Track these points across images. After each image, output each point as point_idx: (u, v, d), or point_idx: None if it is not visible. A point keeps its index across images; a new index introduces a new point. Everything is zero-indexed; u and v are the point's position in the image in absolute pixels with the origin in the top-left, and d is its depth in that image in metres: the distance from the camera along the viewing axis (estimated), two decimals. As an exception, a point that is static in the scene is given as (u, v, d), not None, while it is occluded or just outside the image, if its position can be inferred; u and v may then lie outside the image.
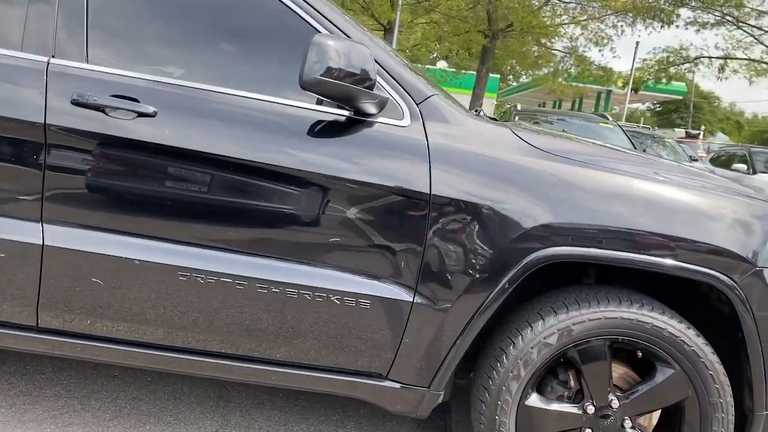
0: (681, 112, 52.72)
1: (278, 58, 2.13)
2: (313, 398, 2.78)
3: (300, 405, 2.73)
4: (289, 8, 2.02)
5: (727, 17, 18.95)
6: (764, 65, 21.27)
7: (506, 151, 2.00)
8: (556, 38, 19.71)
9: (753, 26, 19.27)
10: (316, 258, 1.97)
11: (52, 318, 2.03)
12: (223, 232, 1.97)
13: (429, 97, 2.03)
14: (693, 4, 18.50)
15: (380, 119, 1.98)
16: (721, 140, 40.58)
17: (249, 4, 2.11)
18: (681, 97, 40.52)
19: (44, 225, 1.95)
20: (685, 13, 19.29)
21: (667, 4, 18.11)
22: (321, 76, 1.79)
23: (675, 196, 2.02)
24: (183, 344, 2.05)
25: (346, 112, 1.99)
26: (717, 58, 21.29)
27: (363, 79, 1.85)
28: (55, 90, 1.92)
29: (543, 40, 19.85)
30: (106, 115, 1.91)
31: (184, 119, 1.94)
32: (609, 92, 31.30)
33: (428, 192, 1.91)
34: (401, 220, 1.94)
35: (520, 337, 1.99)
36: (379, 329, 1.99)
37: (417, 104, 2.01)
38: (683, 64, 21.64)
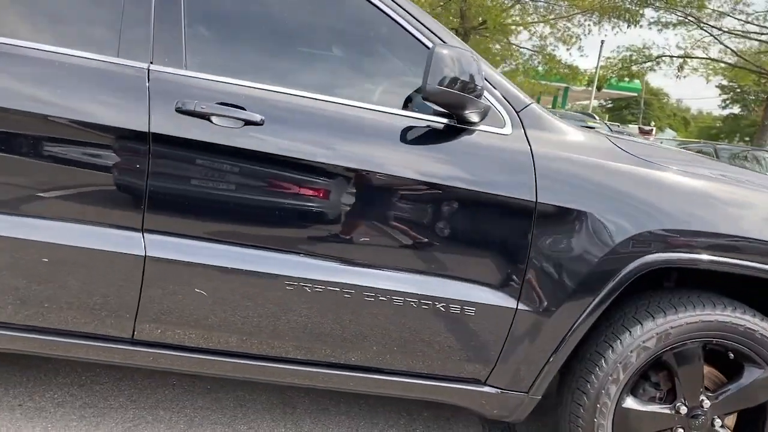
0: (632, 108, 53.97)
1: (380, 68, 2.12)
2: (375, 402, 2.79)
3: (364, 409, 2.73)
4: (393, 20, 2.01)
5: (689, 17, 19.51)
6: (721, 64, 22.00)
7: (606, 158, 2.04)
8: (522, 35, 20.04)
9: (713, 26, 19.89)
10: (422, 266, 1.98)
11: (150, 330, 1.99)
12: (329, 241, 1.95)
13: (528, 105, 2.06)
14: (657, 4, 18.97)
15: (481, 127, 2.00)
16: (669, 136, 41.73)
17: (354, 15, 2.09)
18: (635, 95, 41.52)
19: (145, 235, 1.90)
20: (649, 12, 19.82)
21: (633, 4, 18.55)
22: (441, 85, 1.79)
23: None
24: (285, 354, 2.04)
25: (445, 120, 2.00)
26: (677, 57, 21.91)
27: (473, 88, 1.86)
28: (157, 97, 1.87)
29: (505, 38, 20.17)
30: (212, 123, 1.87)
31: (292, 128, 1.92)
32: (566, 89, 31.86)
33: (534, 200, 1.94)
34: (506, 227, 1.96)
35: (618, 342, 2.03)
36: (482, 336, 2.02)
37: (517, 112, 2.03)
38: (645, 62, 22.19)
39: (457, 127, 1.99)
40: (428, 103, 1.87)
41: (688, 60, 22.04)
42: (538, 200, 1.94)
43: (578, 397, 2.08)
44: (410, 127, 1.98)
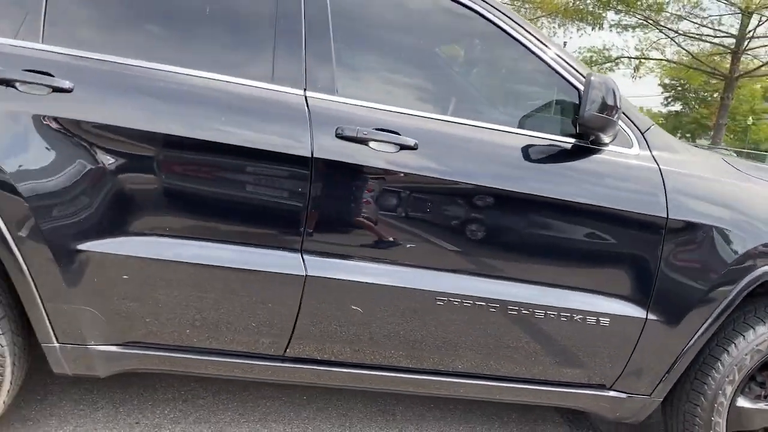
0: (577, 106, 55.09)
1: (514, 93, 2.23)
2: (466, 407, 2.90)
3: (457, 414, 2.84)
4: (529, 49, 2.13)
5: (649, 20, 20.21)
6: (673, 64, 22.83)
7: (726, 176, 2.20)
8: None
9: (670, 29, 20.65)
10: (561, 281, 2.10)
11: (302, 346, 2.05)
12: (475, 258, 2.05)
13: (651, 126, 2.20)
14: (619, 7, 19.59)
15: (610, 147, 2.13)
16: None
17: (494, 47, 2.20)
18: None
19: (304, 255, 1.97)
20: (611, 15, 20.48)
21: (596, 8, 19.09)
22: (595, 112, 1.92)
23: None
24: (430, 366, 2.13)
25: (572, 140, 2.12)
26: (635, 58, 22.65)
27: (616, 112, 1.99)
28: (318, 123, 1.94)
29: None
30: (369, 147, 1.95)
31: (443, 151, 2.01)
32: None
33: (665, 216, 2.08)
34: (638, 242, 2.10)
35: (733, 345, 2.20)
36: (613, 345, 2.15)
37: (642, 133, 2.17)
38: (605, 63, 22.85)
39: (587, 147, 2.12)
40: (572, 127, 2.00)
41: (644, 61, 22.82)
42: (669, 216, 2.08)
43: (694, 398, 2.24)
44: (542, 147, 2.09)
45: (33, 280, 1.86)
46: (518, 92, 2.29)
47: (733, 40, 20.37)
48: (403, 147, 1.97)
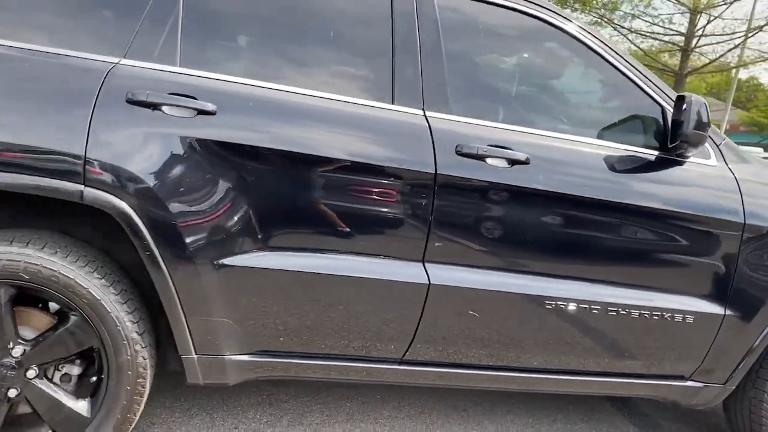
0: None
1: (610, 111, 2.40)
2: (529, 400, 3.08)
3: (522, 408, 3.01)
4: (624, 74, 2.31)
5: (603, 18, 20.84)
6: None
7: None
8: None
9: (623, 27, 21.35)
10: (654, 283, 2.29)
11: (419, 350, 2.18)
12: (579, 264, 2.22)
13: (725, 139, 2.41)
14: (576, 5, 20.14)
15: (692, 159, 2.33)
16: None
17: (595, 72, 2.36)
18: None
19: (426, 265, 2.10)
20: (567, 13, 20.95)
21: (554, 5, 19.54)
22: (694, 129, 2.11)
23: None
24: (535, 365, 2.29)
25: (656, 152, 2.31)
26: (589, 54, 23.25)
27: (708, 127, 2.19)
28: (440, 142, 2.07)
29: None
30: (486, 163, 2.09)
31: (553, 166, 2.17)
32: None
33: (742, 221, 2.29)
34: (718, 245, 2.31)
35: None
36: (695, 339, 2.36)
37: (717, 146, 2.38)
38: (561, 60, 23.39)
39: (671, 159, 2.31)
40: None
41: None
42: (746, 222, 2.29)
43: (761, 385, 2.47)
44: (632, 159, 2.27)
45: (178, 295, 1.93)
46: (608, 109, 2.46)
47: (683, 38, 21.23)
48: (515, 162, 2.11)
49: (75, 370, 2.00)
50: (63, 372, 1.99)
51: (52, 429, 1.96)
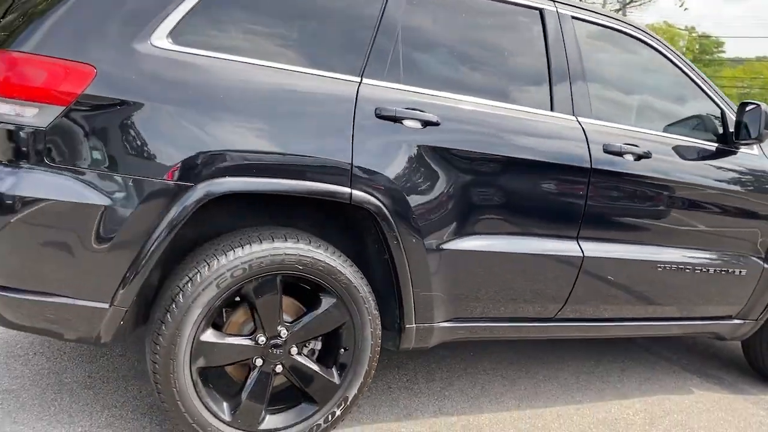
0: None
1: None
2: (572, 345, 3.73)
3: (567, 354, 3.66)
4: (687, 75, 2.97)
5: None
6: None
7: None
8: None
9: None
10: (721, 246, 2.99)
11: (569, 310, 2.73)
12: (678, 236, 2.86)
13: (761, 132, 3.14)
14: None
15: (742, 150, 3.04)
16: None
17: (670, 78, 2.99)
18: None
19: (580, 242, 2.64)
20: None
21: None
22: (764, 128, 2.80)
23: None
24: (642, 314, 2.93)
25: (716, 144, 3.00)
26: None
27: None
28: (592, 141, 2.60)
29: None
30: (624, 158, 2.66)
31: (664, 158, 2.78)
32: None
33: (777, 196, 3.05)
34: (757, 218, 3.05)
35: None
36: (743, 288, 3.10)
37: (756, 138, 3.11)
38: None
39: (726, 150, 3.00)
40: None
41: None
42: (779, 195, 3.06)
43: (778, 320, 3.28)
44: (696, 149, 2.94)
45: (411, 275, 2.32)
46: (685, 112, 3.13)
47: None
48: (642, 156, 2.70)
49: (318, 345, 2.33)
50: (309, 347, 2.32)
51: (308, 396, 2.28)
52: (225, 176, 1.99)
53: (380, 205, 2.19)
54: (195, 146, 1.97)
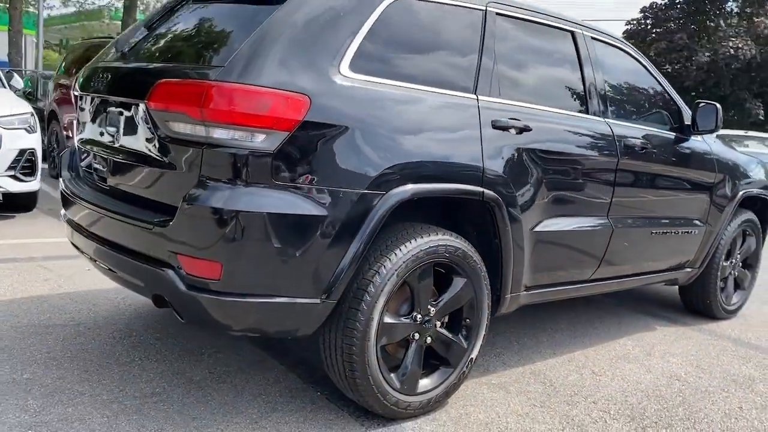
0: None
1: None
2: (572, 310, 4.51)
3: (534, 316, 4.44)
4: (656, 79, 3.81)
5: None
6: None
7: (722, 148, 4.22)
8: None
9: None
10: (683, 214, 3.89)
11: (602, 272, 3.46)
12: (656, 208, 3.71)
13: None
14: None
15: (690, 137, 3.96)
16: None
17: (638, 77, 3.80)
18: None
19: (609, 218, 3.37)
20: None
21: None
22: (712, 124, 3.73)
23: None
24: (633, 271, 3.75)
25: (674, 134, 3.89)
26: None
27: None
28: (618, 140, 3.33)
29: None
30: (636, 152, 3.43)
31: (658, 149, 3.58)
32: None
33: (715, 171, 4.02)
34: (702, 188, 4.00)
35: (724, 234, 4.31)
36: (694, 244, 4.05)
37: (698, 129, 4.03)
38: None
39: (682, 137, 3.90)
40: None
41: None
42: (717, 172, 4.03)
43: (716, 267, 4.30)
44: (662, 137, 3.81)
45: (513, 254, 2.87)
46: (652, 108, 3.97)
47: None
48: (645, 149, 3.48)
49: (446, 318, 2.81)
50: (445, 321, 2.78)
51: (446, 361, 2.75)
52: (407, 184, 2.39)
53: (499, 199, 2.71)
54: (386, 160, 2.34)
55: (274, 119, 2.14)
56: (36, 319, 3.41)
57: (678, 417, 2.88)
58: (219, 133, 2.12)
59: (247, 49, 2.20)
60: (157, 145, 2.32)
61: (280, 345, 3.27)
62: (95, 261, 2.76)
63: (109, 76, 2.64)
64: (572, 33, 3.30)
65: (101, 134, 2.70)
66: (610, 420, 2.80)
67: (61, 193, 3.04)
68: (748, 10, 25.23)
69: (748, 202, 4.47)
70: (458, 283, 2.71)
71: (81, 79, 2.95)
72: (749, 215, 4.49)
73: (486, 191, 2.65)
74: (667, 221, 3.79)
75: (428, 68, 2.68)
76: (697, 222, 4.03)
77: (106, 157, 2.70)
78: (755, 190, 4.41)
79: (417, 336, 2.60)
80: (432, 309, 2.63)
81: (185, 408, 2.55)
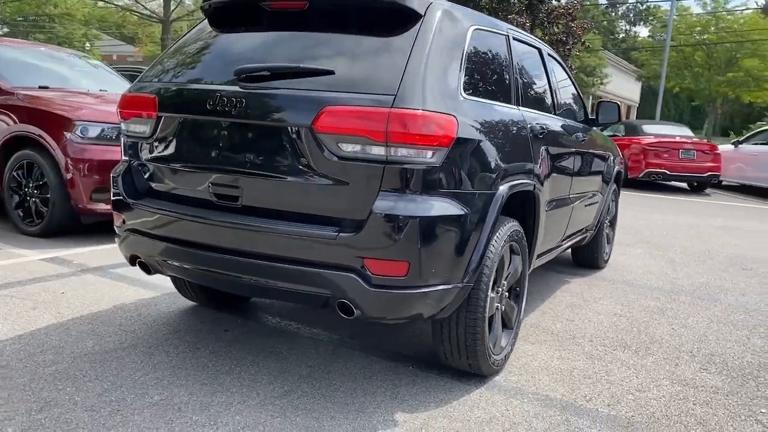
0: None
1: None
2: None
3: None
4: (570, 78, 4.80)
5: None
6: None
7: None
8: None
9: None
10: (589, 188, 4.98)
11: (567, 237, 4.37)
12: (581, 183, 4.72)
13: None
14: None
15: (593, 128, 5.06)
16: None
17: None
18: None
19: (570, 196, 4.28)
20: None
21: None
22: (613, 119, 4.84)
23: None
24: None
25: (582, 125, 4.96)
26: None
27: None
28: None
29: None
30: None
31: (592, 137, 4.58)
32: None
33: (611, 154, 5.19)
34: (600, 167, 5.16)
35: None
36: (594, 212, 5.19)
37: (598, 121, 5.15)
38: None
39: (588, 128, 4.97)
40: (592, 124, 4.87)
41: None
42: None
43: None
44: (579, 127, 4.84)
45: (540, 233, 3.62)
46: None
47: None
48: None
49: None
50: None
51: (505, 324, 3.38)
52: (504, 183, 2.97)
53: (539, 193, 3.42)
54: (495, 165, 2.90)
55: (439, 138, 2.56)
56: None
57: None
58: (400, 152, 2.48)
59: (410, 78, 2.56)
60: (323, 165, 2.56)
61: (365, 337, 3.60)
62: (209, 271, 2.86)
63: (238, 100, 2.68)
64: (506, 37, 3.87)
65: (222, 156, 2.79)
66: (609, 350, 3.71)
67: (139, 210, 3.00)
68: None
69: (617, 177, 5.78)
70: (516, 259, 3.35)
71: (164, 100, 2.94)
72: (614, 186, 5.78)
73: (536, 190, 3.34)
74: (591, 194, 4.84)
75: (496, 86, 3.27)
76: (598, 195, 5.15)
77: (234, 177, 2.78)
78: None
79: (498, 305, 3.20)
80: (505, 283, 3.24)
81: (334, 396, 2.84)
